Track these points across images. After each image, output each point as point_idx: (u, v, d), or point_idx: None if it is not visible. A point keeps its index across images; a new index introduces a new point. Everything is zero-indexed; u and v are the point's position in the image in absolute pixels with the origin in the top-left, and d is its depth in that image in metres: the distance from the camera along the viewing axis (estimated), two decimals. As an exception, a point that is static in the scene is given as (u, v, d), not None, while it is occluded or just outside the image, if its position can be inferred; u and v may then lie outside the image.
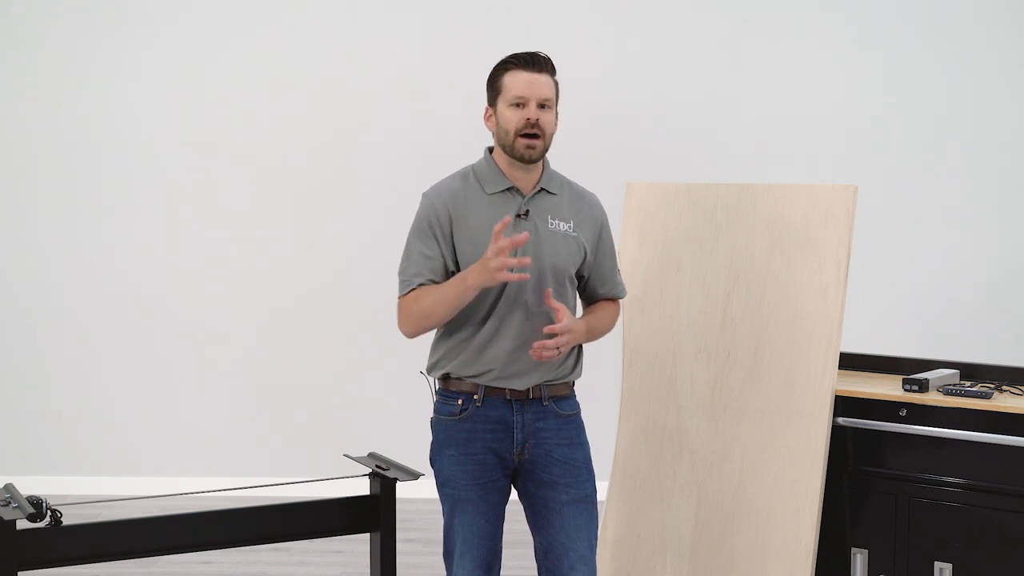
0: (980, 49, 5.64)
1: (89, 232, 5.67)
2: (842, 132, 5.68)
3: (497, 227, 2.68)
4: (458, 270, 2.87)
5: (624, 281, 3.21)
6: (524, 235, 2.69)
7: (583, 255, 2.93)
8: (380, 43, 5.67)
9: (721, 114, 5.67)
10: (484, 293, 2.83)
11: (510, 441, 2.88)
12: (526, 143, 2.82)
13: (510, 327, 2.84)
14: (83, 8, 5.62)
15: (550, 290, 2.82)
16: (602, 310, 3.04)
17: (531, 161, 2.85)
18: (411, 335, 2.91)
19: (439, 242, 2.86)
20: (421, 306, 2.82)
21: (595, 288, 3.02)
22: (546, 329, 2.78)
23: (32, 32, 5.62)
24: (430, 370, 2.96)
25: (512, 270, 2.70)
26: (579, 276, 2.98)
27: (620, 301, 3.12)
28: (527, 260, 2.74)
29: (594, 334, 2.98)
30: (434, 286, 2.84)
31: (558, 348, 2.79)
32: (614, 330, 3.10)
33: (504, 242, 2.67)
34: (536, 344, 2.77)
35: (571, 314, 2.87)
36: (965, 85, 5.65)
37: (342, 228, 5.71)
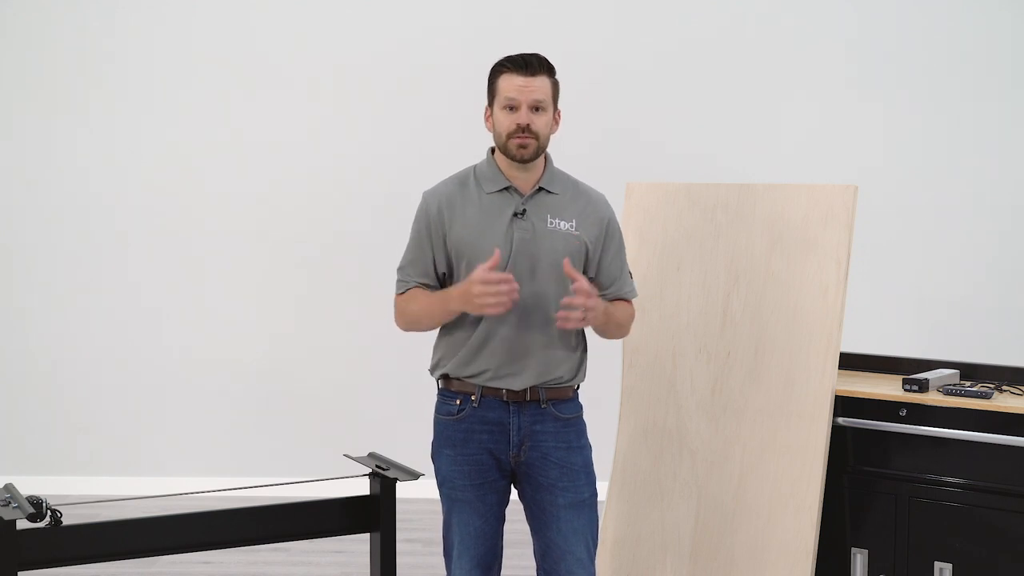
0: (980, 50, 5.64)
1: (89, 232, 5.66)
2: (843, 132, 5.67)
3: (488, 263, 2.72)
4: (448, 271, 2.90)
5: (636, 284, 3.17)
6: (508, 277, 2.72)
7: (585, 254, 2.91)
8: (381, 39, 5.67)
9: (721, 114, 5.67)
10: None
11: (506, 442, 2.88)
12: (518, 143, 2.83)
13: (505, 328, 2.84)
14: (84, 6, 5.64)
15: (568, 259, 2.80)
16: (616, 305, 2.97)
17: (524, 161, 2.86)
18: (405, 330, 3.00)
19: (431, 243, 2.89)
20: (410, 311, 2.92)
21: (603, 287, 2.97)
22: (564, 301, 2.76)
23: (35, 32, 5.63)
24: (432, 370, 2.98)
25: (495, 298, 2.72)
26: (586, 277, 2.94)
27: (633, 302, 3.06)
28: (514, 285, 2.74)
29: (611, 319, 2.91)
30: (423, 293, 2.89)
31: (584, 315, 2.74)
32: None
33: (492, 276, 2.70)
34: (560, 313, 2.76)
35: (589, 284, 2.80)
36: (966, 85, 5.65)
37: (342, 228, 5.71)
